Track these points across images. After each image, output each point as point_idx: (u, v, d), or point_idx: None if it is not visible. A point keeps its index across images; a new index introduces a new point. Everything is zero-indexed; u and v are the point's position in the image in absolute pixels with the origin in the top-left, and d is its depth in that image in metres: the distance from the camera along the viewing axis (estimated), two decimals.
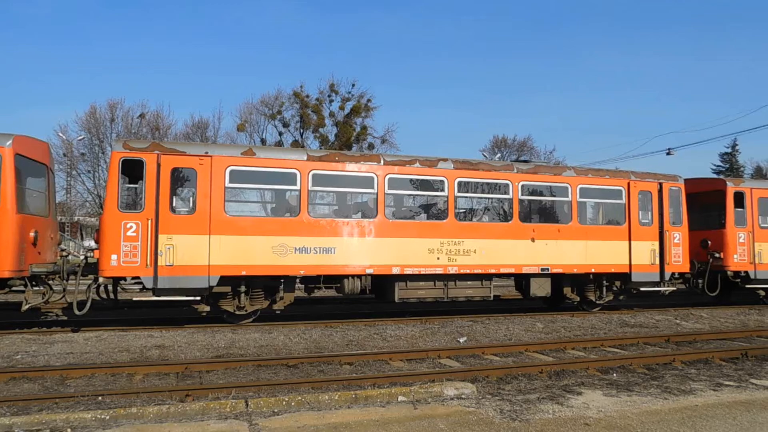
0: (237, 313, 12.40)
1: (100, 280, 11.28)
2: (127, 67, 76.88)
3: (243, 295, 12.26)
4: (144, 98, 70.49)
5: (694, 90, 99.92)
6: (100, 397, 6.79)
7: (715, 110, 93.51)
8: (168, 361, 8.98)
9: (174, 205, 11.70)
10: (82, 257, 12.23)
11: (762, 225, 17.69)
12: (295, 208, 12.47)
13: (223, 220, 11.66)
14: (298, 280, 13.06)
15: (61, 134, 43.32)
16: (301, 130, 47.16)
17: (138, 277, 11.26)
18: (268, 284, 12.53)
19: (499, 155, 49.85)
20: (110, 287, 12.02)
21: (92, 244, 11.93)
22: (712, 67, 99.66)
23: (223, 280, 11.73)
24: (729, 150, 56.55)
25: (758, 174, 53.66)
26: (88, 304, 11.25)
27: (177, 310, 14.54)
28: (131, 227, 11.05)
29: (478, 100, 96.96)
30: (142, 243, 11.09)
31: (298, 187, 12.37)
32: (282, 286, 12.73)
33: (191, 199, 11.86)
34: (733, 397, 7.26)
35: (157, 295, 11.42)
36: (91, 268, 11.43)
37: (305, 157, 12.67)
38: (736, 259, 17.09)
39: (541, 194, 15.33)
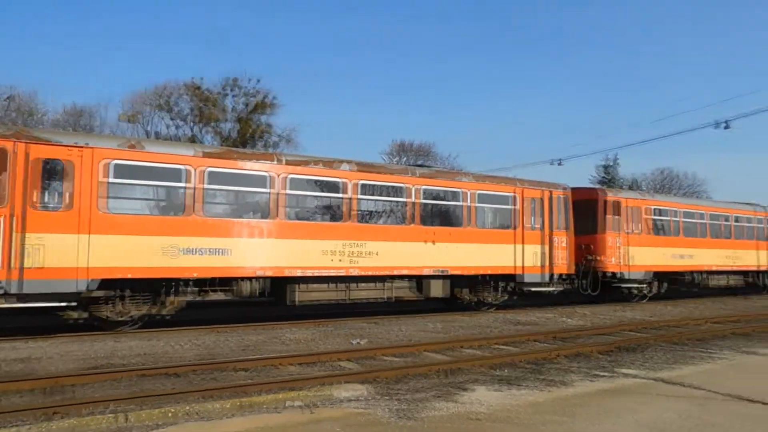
0: (120, 319, 11.55)
1: None
2: None
3: (128, 299, 11.44)
4: (14, 80, 64.04)
5: (579, 106, 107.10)
6: None
7: (600, 126, 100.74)
8: (33, 375, 8.01)
9: (45, 200, 10.59)
10: None
11: (633, 231, 19.58)
12: (188, 206, 11.84)
13: (104, 218, 10.80)
14: (190, 283, 12.40)
15: None
16: (199, 125, 45.15)
17: None
18: (156, 287, 11.78)
19: (403, 159, 50.60)
20: None
21: None
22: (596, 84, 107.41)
23: (105, 284, 10.87)
24: (611, 163, 61.38)
25: (633, 186, 58.49)
26: None
27: (49, 317, 13.28)
28: None
29: (383, 103, 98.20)
30: (3, 242, 9.93)
31: (190, 184, 11.77)
32: (173, 290, 12.02)
33: (67, 194, 10.80)
34: (603, 386, 7.87)
35: (22, 302, 10.19)
36: None
37: (199, 153, 12.09)
38: (613, 262, 18.85)
39: (439, 198, 15.68)
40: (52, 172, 10.77)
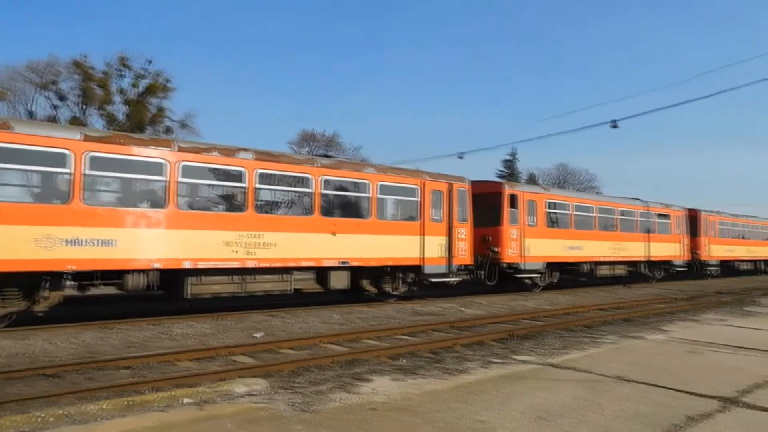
0: None
1: None
2: None
3: None
4: None
5: (484, 101, 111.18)
6: None
7: (500, 121, 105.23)
8: None
9: None
10: None
11: (530, 224, 20.36)
12: (66, 193, 10.79)
13: None
14: (69, 277, 11.35)
15: None
16: (83, 106, 41.66)
17: None
18: (27, 282, 10.65)
19: (306, 149, 49.87)
20: None
21: None
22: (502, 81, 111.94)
23: None
24: (510, 158, 64.11)
25: (531, 180, 61.52)
26: None
27: None
28: None
29: (289, 92, 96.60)
30: None
31: (70, 170, 10.72)
32: (47, 284, 10.94)
33: None
34: (499, 373, 8.07)
35: None
36: None
37: (80, 136, 11.04)
38: (510, 253, 19.43)
39: (342, 189, 15.49)
40: None
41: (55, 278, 10.99)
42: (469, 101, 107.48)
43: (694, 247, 29.68)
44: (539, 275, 21.01)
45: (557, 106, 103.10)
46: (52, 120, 37.74)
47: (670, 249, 27.64)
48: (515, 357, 9.17)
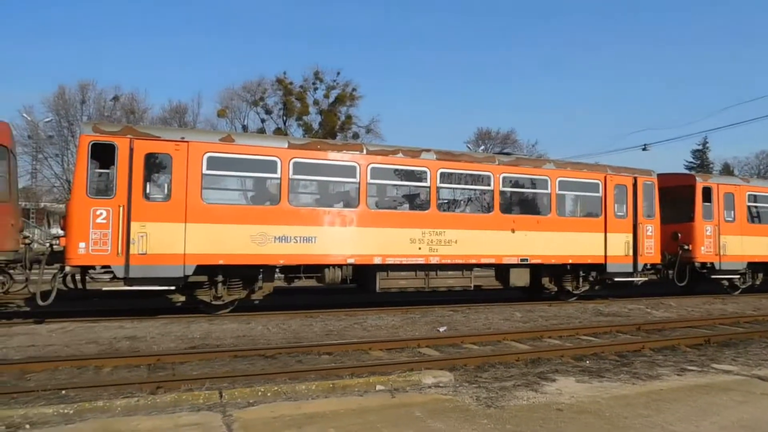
0: (214, 303, 12.24)
1: (67, 269, 10.85)
2: (98, 46, 74.19)
3: (220, 284, 12.09)
4: (118, 80, 68.66)
5: (670, 88, 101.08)
6: (63, 391, 6.50)
7: (688, 109, 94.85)
8: (139, 352, 8.73)
9: (148, 191, 11.39)
10: (47, 245, 11.70)
11: (727, 219, 18.30)
12: (276, 196, 12.32)
13: (199, 208, 11.45)
14: (277, 270, 12.94)
15: (25, 115, 41.97)
16: (284, 118, 46.76)
17: (108, 266, 10.89)
18: (246, 274, 12.37)
19: (483, 147, 49.95)
20: (78, 276, 11.62)
21: (59, 231, 11.45)
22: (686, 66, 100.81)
23: (200, 270, 11.53)
24: (700, 147, 57.70)
25: (726, 170, 54.72)
26: (53, 294, 10.73)
27: (150, 300, 14.29)
28: (101, 214, 10.69)
29: (463, 92, 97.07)
30: (113, 230, 10.73)
31: (278, 175, 12.22)
32: (261, 276, 12.60)
33: (166, 185, 11.59)
34: (695, 381, 7.50)
35: (128, 285, 11.02)
36: (57, 257, 10.98)
37: (286, 145, 12.52)
38: (703, 251, 17.67)
39: (521, 186, 15.41)
40: (154, 166, 11.56)
41: (267, 271, 12.63)
42: (651, 87, 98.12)
43: None
44: (738, 276, 18.77)
45: (755, 86, 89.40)
46: (261, 132, 42.81)
47: None
48: (714, 366, 8.45)
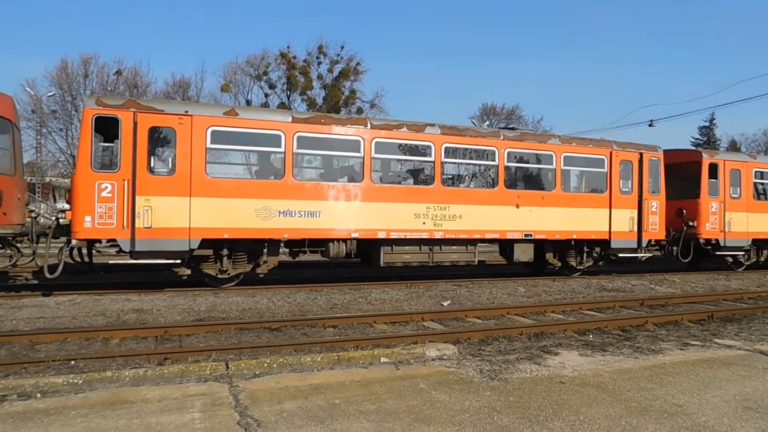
0: (219, 276, 12.31)
1: (73, 242, 10.89)
2: (101, 20, 73.44)
3: (225, 258, 12.15)
4: (121, 54, 67.95)
5: (675, 64, 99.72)
6: (72, 362, 6.61)
7: (695, 85, 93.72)
8: (146, 324, 8.83)
9: (152, 165, 11.36)
10: (53, 219, 11.79)
11: (732, 195, 18.26)
12: (280, 170, 12.29)
13: (204, 182, 11.44)
14: (282, 244, 12.99)
15: (28, 89, 41.53)
16: (288, 92, 46.41)
17: (114, 240, 10.95)
18: (251, 248, 12.42)
19: (487, 123, 49.62)
20: (84, 250, 11.69)
21: (64, 205, 11.49)
22: (695, 41, 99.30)
23: (205, 243, 11.57)
24: (707, 124, 57.23)
25: (732, 147, 54.26)
26: (60, 268, 10.80)
27: (156, 273, 14.41)
28: (106, 188, 10.68)
29: (468, 67, 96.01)
30: (118, 204, 10.75)
31: (282, 149, 12.17)
32: (266, 250, 12.63)
33: (170, 159, 11.56)
34: (698, 356, 7.56)
35: (134, 258, 11.09)
36: (63, 230, 11.02)
37: (290, 119, 12.44)
38: (708, 228, 17.66)
39: (526, 161, 15.34)
40: (158, 140, 11.49)
41: (272, 245, 12.67)
42: (662, 63, 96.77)
43: None
44: (743, 253, 18.79)
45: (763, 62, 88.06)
46: (265, 106, 42.54)
47: None
48: (717, 341, 8.52)
